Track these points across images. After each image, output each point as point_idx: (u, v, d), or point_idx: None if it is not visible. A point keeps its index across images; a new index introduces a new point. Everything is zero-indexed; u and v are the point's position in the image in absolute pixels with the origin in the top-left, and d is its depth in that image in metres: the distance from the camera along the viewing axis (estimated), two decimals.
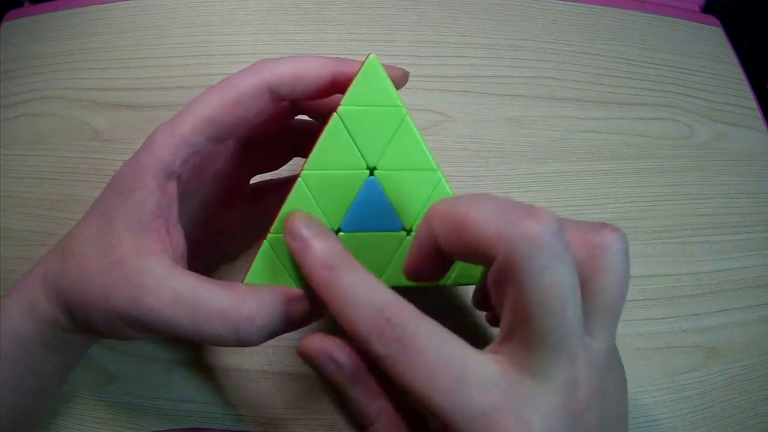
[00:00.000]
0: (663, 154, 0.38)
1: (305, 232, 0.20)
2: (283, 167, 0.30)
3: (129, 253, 0.21)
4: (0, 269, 0.31)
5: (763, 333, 0.33)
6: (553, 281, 0.16)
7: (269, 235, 0.22)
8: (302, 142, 0.28)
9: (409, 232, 0.22)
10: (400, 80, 0.24)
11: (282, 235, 0.21)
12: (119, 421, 0.28)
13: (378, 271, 0.22)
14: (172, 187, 0.22)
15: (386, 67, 0.23)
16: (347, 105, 0.22)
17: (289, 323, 0.22)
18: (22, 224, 0.33)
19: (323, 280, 0.19)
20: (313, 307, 0.22)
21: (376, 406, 0.20)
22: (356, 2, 0.41)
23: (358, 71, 0.22)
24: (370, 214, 0.22)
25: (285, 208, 0.22)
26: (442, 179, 0.22)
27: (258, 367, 0.30)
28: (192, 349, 0.30)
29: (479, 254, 0.18)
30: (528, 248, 0.16)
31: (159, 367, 0.29)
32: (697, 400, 0.31)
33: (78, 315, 0.22)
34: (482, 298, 0.24)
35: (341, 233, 0.22)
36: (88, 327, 0.22)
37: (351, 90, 0.22)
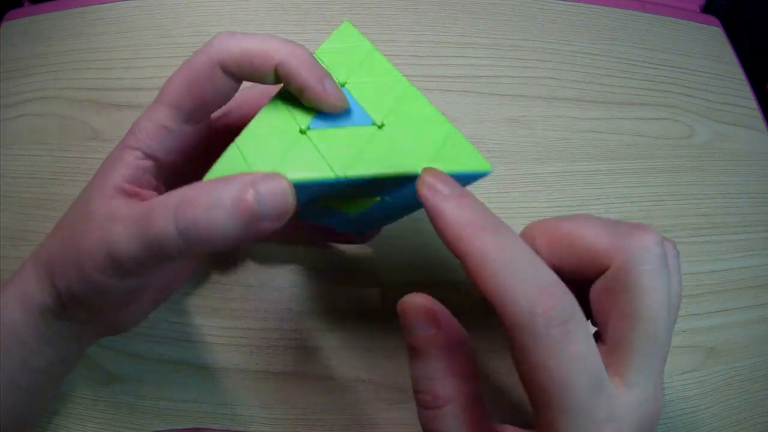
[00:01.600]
0: (663, 154, 0.38)
1: (446, 188, 0.19)
2: None
3: (97, 206, 0.21)
4: (0, 269, 0.31)
5: (763, 333, 0.33)
6: (658, 285, 0.19)
7: (238, 139, 0.21)
8: None
9: (380, 127, 0.22)
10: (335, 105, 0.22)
11: (251, 141, 0.21)
12: (119, 421, 0.28)
13: (350, 163, 0.21)
14: (149, 165, 0.23)
15: (332, 89, 0.23)
16: (326, 46, 0.23)
17: (240, 210, 0.19)
18: (22, 224, 0.33)
19: (475, 240, 0.17)
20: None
21: (453, 389, 0.19)
22: (356, 2, 0.41)
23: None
24: (340, 113, 0.22)
25: (254, 120, 0.21)
26: (410, 85, 0.23)
27: (258, 367, 0.30)
28: (192, 349, 0.30)
29: (591, 264, 0.20)
30: (642, 256, 0.19)
31: (159, 367, 0.29)
32: (697, 400, 0.31)
33: (61, 286, 0.22)
34: None
35: (309, 130, 0.21)
36: (72, 298, 0.22)
37: (329, 39, 0.23)
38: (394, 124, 0.22)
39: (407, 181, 0.21)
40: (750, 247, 0.35)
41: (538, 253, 0.20)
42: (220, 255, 0.31)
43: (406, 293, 0.31)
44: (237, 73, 0.22)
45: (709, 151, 0.38)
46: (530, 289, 0.17)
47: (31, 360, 0.23)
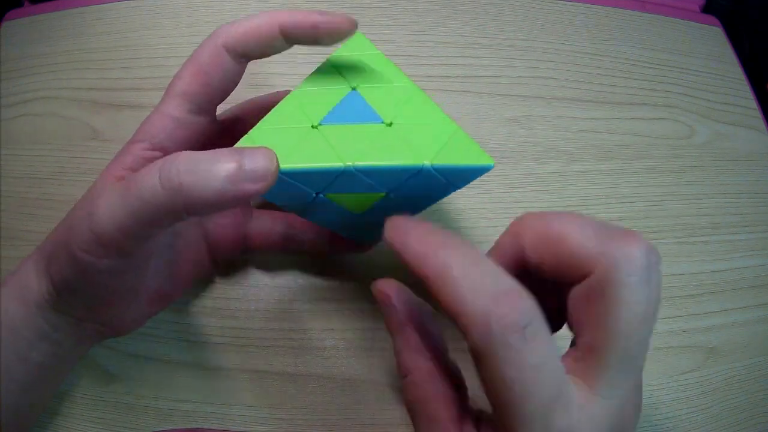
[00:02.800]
0: (663, 154, 0.38)
1: (407, 223, 0.20)
2: None
3: (94, 194, 0.22)
4: (0, 269, 0.31)
5: (763, 333, 0.33)
6: (640, 298, 0.18)
7: (251, 131, 0.22)
8: (257, 240, 0.29)
9: (389, 125, 0.22)
10: (342, 30, 0.23)
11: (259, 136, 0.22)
12: (119, 421, 0.28)
13: (359, 155, 0.22)
14: (156, 156, 0.23)
15: (321, 19, 0.23)
16: (338, 54, 0.24)
17: (220, 173, 0.20)
18: (22, 224, 0.33)
19: (433, 258, 0.18)
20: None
21: (414, 362, 0.21)
22: (356, 2, 0.41)
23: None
24: (350, 113, 0.23)
25: (269, 115, 0.23)
26: (417, 88, 0.24)
27: (258, 367, 0.30)
28: (192, 349, 0.30)
29: (574, 268, 0.19)
30: (627, 266, 0.18)
31: (159, 367, 0.29)
32: (697, 400, 0.31)
33: (55, 273, 0.22)
34: None
35: (320, 125, 0.22)
36: (65, 286, 0.22)
37: (340, 48, 0.24)
38: (402, 123, 0.23)
39: (413, 176, 0.22)
40: (750, 247, 0.35)
41: (523, 249, 0.20)
42: (220, 256, 0.31)
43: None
44: (243, 50, 0.23)
45: (709, 151, 0.38)
46: (485, 296, 0.16)
47: (28, 353, 0.23)
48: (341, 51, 0.24)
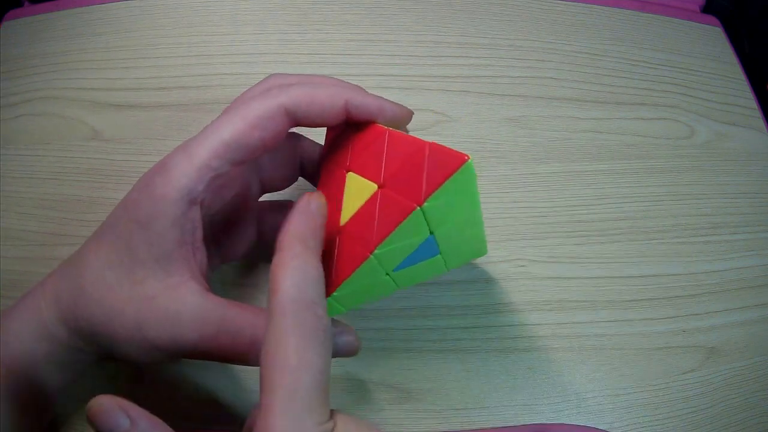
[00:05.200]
0: (663, 154, 0.38)
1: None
2: (291, 186, 0.30)
3: (160, 288, 0.21)
4: (0, 269, 0.31)
5: (763, 333, 0.33)
6: None
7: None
8: (309, 164, 0.28)
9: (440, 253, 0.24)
10: (400, 121, 0.24)
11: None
12: None
13: (408, 281, 0.25)
14: (195, 213, 0.22)
15: (387, 103, 0.24)
16: (432, 201, 0.21)
17: None
18: (22, 224, 0.33)
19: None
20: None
21: None
22: (356, 2, 0.41)
23: (451, 173, 0.21)
24: (419, 255, 0.23)
25: (350, 279, 0.22)
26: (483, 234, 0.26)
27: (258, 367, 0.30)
28: None
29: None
30: None
31: (159, 367, 0.29)
32: (697, 400, 0.31)
33: (105, 346, 0.22)
34: None
35: (392, 273, 0.23)
36: (111, 354, 0.22)
37: (441, 188, 0.21)
38: (448, 248, 0.24)
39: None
40: (750, 247, 0.35)
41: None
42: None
43: (406, 293, 0.31)
44: (303, 117, 0.22)
45: (709, 151, 0.38)
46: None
47: (45, 381, 0.23)
48: (444, 193, 0.21)
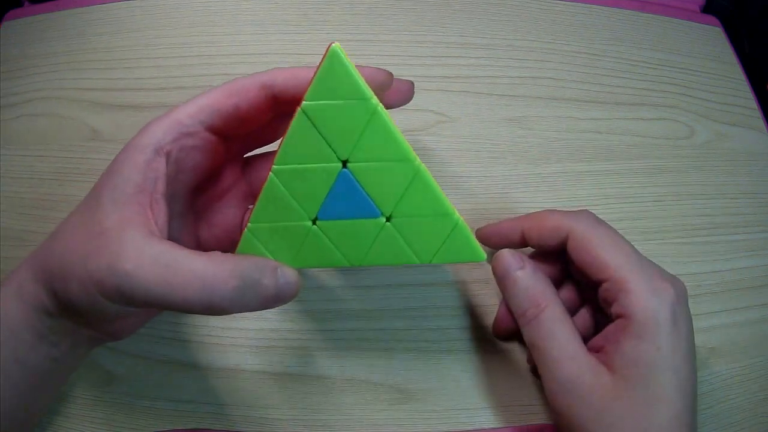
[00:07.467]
0: (663, 154, 0.38)
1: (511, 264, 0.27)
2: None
3: (110, 224, 0.21)
4: (0, 269, 0.31)
5: (763, 333, 0.33)
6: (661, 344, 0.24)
7: (250, 225, 0.23)
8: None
9: (388, 218, 0.23)
10: (380, 84, 0.24)
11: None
12: (119, 421, 0.28)
13: (359, 256, 0.23)
14: (160, 163, 0.23)
15: (364, 68, 0.22)
16: (311, 100, 0.21)
17: (261, 294, 0.21)
18: (22, 224, 0.33)
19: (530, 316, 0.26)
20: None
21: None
22: (356, 2, 0.41)
23: (320, 62, 0.21)
24: (346, 203, 0.22)
25: (259, 203, 0.23)
26: (421, 168, 0.22)
27: (258, 367, 0.30)
28: (192, 350, 0.30)
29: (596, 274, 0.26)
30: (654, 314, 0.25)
31: (159, 367, 0.29)
32: (697, 400, 0.31)
33: (59, 291, 0.22)
34: (503, 328, 0.30)
35: (318, 221, 0.23)
36: (69, 305, 0.22)
37: (314, 82, 0.21)
38: (402, 217, 0.23)
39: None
40: (750, 248, 0.35)
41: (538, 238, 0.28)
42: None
43: (406, 293, 0.31)
44: (280, 90, 0.23)
45: (709, 151, 0.38)
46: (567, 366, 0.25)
47: (25, 354, 0.23)
48: (317, 91, 0.21)
